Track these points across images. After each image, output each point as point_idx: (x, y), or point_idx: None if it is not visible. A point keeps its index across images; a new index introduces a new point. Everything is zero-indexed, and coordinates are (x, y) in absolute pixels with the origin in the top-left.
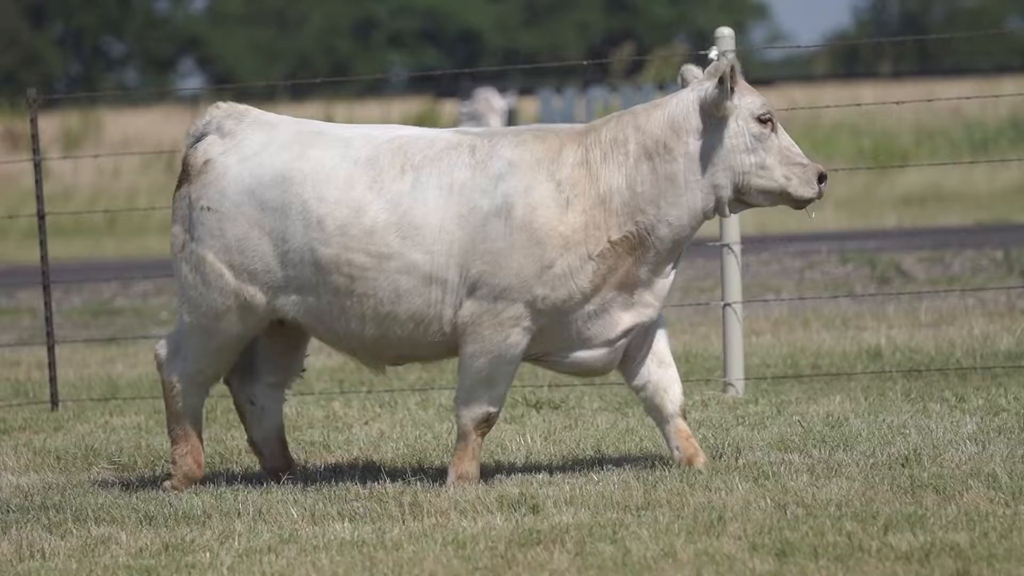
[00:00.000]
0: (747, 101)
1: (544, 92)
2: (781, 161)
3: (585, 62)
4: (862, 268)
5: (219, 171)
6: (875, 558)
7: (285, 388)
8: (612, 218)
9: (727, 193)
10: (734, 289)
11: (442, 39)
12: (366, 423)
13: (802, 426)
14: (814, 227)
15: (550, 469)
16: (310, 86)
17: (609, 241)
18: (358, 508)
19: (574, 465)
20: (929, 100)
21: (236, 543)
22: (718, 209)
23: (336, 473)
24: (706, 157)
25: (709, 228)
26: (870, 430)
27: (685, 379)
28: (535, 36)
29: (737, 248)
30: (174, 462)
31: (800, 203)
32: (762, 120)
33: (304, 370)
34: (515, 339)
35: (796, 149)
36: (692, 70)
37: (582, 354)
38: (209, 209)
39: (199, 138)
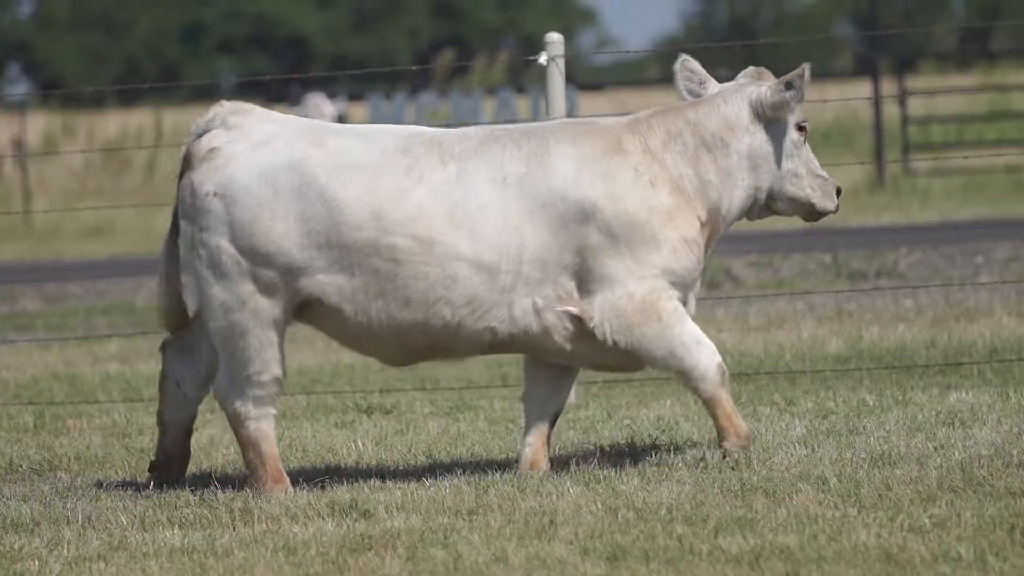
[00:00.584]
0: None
1: (374, 98)
2: (808, 171)
3: (413, 67)
4: None
5: (226, 157)
6: (706, 561)
7: (213, 383)
8: (689, 200)
9: (763, 196)
10: None
11: (271, 45)
12: (197, 429)
13: (633, 430)
14: None
15: (381, 474)
16: (139, 91)
17: (698, 218)
18: (188, 515)
19: (405, 470)
20: None
21: (65, 551)
22: (749, 211)
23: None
24: (754, 157)
25: None
26: (700, 434)
27: (515, 384)
28: (364, 42)
29: None
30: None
31: (818, 216)
32: (800, 127)
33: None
34: (672, 304)
35: (817, 161)
36: (691, 63)
37: None
38: (215, 195)
39: (202, 133)
